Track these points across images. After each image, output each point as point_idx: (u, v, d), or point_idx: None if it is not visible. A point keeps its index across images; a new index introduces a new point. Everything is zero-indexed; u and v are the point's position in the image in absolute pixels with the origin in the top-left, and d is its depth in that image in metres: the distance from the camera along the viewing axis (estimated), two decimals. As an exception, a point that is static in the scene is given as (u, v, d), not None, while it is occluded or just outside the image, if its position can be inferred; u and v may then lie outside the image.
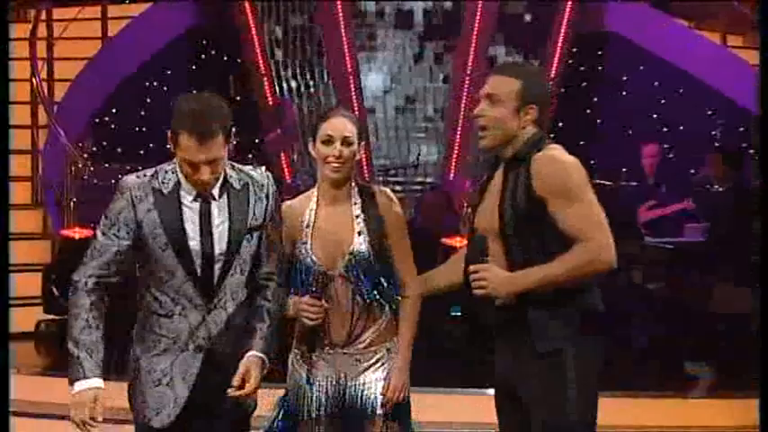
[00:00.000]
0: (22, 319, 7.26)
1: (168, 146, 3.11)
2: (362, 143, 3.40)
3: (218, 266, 3.13)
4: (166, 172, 3.15)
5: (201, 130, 3.01)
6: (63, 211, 7.98)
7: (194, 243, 3.10)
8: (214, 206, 3.14)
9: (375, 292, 3.36)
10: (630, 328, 7.36)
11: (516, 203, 3.08)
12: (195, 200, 3.13)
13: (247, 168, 3.24)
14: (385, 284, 3.38)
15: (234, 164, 3.22)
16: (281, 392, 3.50)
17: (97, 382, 3.05)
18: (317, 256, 3.36)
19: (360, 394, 3.38)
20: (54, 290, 7.37)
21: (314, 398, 3.39)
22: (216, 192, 3.14)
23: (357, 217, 3.37)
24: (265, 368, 3.15)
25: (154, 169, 3.18)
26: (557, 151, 3.14)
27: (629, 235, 7.22)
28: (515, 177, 3.12)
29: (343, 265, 3.35)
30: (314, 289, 3.33)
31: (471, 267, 3.11)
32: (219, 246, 3.13)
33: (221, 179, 3.14)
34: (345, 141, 3.34)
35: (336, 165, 3.33)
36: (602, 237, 3.04)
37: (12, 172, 8.00)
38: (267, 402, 3.45)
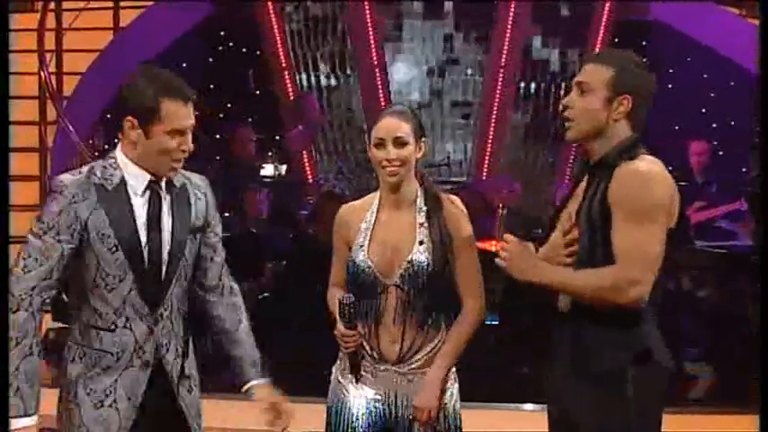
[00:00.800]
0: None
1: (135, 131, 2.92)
2: (422, 141, 3.23)
3: (164, 270, 2.96)
4: (105, 168, 2.94)
5: (185, 93, 2.91)
6: (73, 212, 7.64)
7: (143, 242, 2.93)
8: (163, 202, 2.98)
9: (431, 309, 3.18)
10: (679, 339, 6.86)
11: (591, 210, 2.92)
12: (144, 192, 2.95)
13: (182, 171, 3.08)
14: (444, 301, 3.21)
15: None
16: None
17: (36, 418, 2.89)
18: (372, 261, 3.19)
19: (411, 418, 3.19)
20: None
21: (358, 416, 3.22)
22: (163, 185, 2.99)
23: (420, 225, 3.20)
24: None
25: (87, 166, 2.97)
26: (646, 163, 2.91)
27: (676, 239, 6.89)
28: (597, 184, 2.94)
29: (399, 275, 3.16)
30: (347, 320, 3.14)
31: (505, 236, 2.98)
32: (166, 246, 2.96)
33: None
34: (398, 142, 3.17)
35: (391, 168, 3.17)
36: (638, 271, 2.83)
37: (19, 171, 7.82)
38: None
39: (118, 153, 2.96)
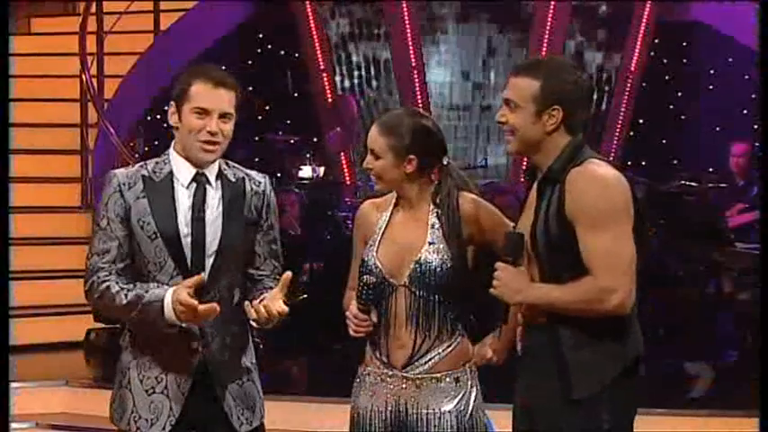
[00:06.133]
0: (72, 329, 7.11)
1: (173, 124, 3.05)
2: (410, 157, 3.06)
3: (210, 260, 3.00)
4: (157, 163, 3.07)
5: (216, 76, 3.00)
6: (113, 213, 7.69)
7: (185, 231, 2.99)
8: (209, 193, 3.03)
9: (442, 310, 3.06)
10: (720, 342, 7.03)
11: (549, 226, 2.82)
12: (190, 184, 3.02)
13: (242, 168, 3.16)
14: (460, 304, 3.08)
15: (229, 162, 3.15)
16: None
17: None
18: (380, 262, 3.08)
19: (421, 427, 3.06)
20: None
21: (371, 425, 3.10)
22: (212, 178, 3.05)
23: (432, 226, 3.08)
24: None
25: (142, 162, 3.12)
26: (597, 166, 2.82)
27: (717, 241, 6.98)
28: (550, 196, 2.84)
29: (408, 276, 3.05)
30: (363, 301, 3.04)
31: (496, 264, 2.88)
32: (212, 236, 3.00)
33: (217, 170, 3.06)
34: (372, 153, 3.11)
35: (373, 176, 3.13)
36: (610, 279, 2.75)
37: (61, 173, 7.89)
38: None
39: (171, 149, 3.07)
